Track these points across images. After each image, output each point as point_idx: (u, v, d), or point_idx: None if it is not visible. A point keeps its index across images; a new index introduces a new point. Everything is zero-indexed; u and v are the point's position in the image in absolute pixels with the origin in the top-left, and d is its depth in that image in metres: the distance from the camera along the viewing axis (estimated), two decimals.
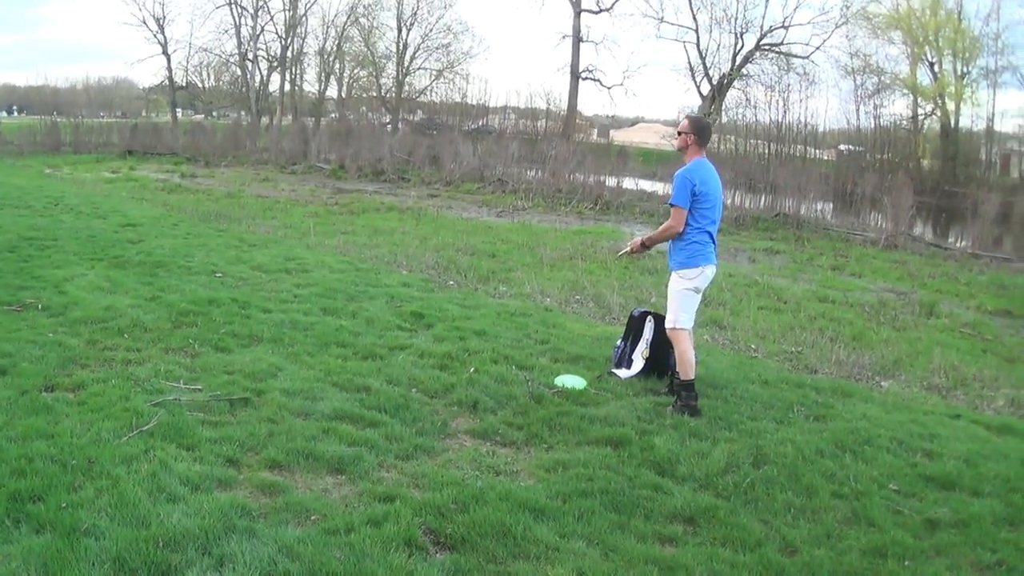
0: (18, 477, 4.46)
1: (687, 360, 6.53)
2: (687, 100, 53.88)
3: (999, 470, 5.69)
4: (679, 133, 6.73)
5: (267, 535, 4.11)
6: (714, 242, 6.67)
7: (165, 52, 53.91)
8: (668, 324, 6.72)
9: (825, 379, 7.91)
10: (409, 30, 51.83)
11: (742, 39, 42.66)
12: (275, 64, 54.15)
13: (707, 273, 6.67)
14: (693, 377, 6.54)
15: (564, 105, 47.29)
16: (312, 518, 4.37)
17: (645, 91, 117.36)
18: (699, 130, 6.72)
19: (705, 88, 44.17)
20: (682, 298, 6.62)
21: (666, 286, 6.82)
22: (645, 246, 6.94)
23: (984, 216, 20.35)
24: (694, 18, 43.61)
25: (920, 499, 5.20)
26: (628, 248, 7.08)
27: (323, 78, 54.94)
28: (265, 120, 51.48)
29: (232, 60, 54.65)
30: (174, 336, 7.51)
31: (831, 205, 26.00)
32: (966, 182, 33.55)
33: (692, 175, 6.48)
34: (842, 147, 42.18)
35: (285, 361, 7.02)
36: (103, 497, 4.32)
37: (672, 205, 6.55)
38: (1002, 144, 40.34)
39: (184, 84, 56.70)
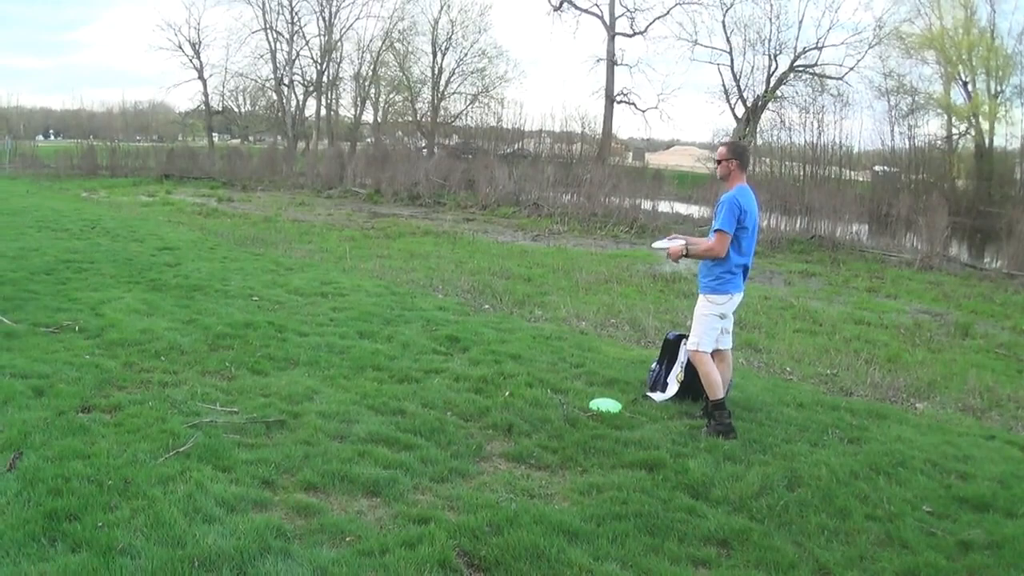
0: (55, 496, 4.52)
1: (712, 381, 6.53)
2: (722, 122, 53.59)
3: None
4: (719, 161, 6.67)
5: (302, 556, 4.13)
6: (745, 274, 6.68)
7: (201, 77, 54.60)
8: (690, 346, 6.74)
9: (860, 401, 7.85)
10: (444, 54, 52.02)
11: (776, 61, 42.62)
12: (311, 89, 54.55)
13: (735, 299, 6.69)
14: (722, 396, 6.54)
15: (599, 129, 47.39)
16: (347, 540, 4.40)
17: (680, 114, 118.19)
18: (739, 155, 6.68)
19: (740, 110, 44.19)
20: (707, 323, 6.63)
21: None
22: (685, 255, 6.74)
23: (1020, 236, 20.00)
24: (728, 40, 43.68)
25: (953, 520, 5.15)
26: (669, 248, 6.79)
27: (359, 103, 55.19)
28: (301, 145, 51.93)
29: (268, 85, 55.20)
30: (211, 359, 7.59)
31: (866, 227, 25.77)
32: (1001, 202, 33.01)
33: (739, 201, 6.44)
34: (877, 168, 41.79)
35: (321, 384, 7.07)
36: (139, 517, 4.37)
37: (718, 230, 6.45)
38: None
39: (220, 109, 57.31)
